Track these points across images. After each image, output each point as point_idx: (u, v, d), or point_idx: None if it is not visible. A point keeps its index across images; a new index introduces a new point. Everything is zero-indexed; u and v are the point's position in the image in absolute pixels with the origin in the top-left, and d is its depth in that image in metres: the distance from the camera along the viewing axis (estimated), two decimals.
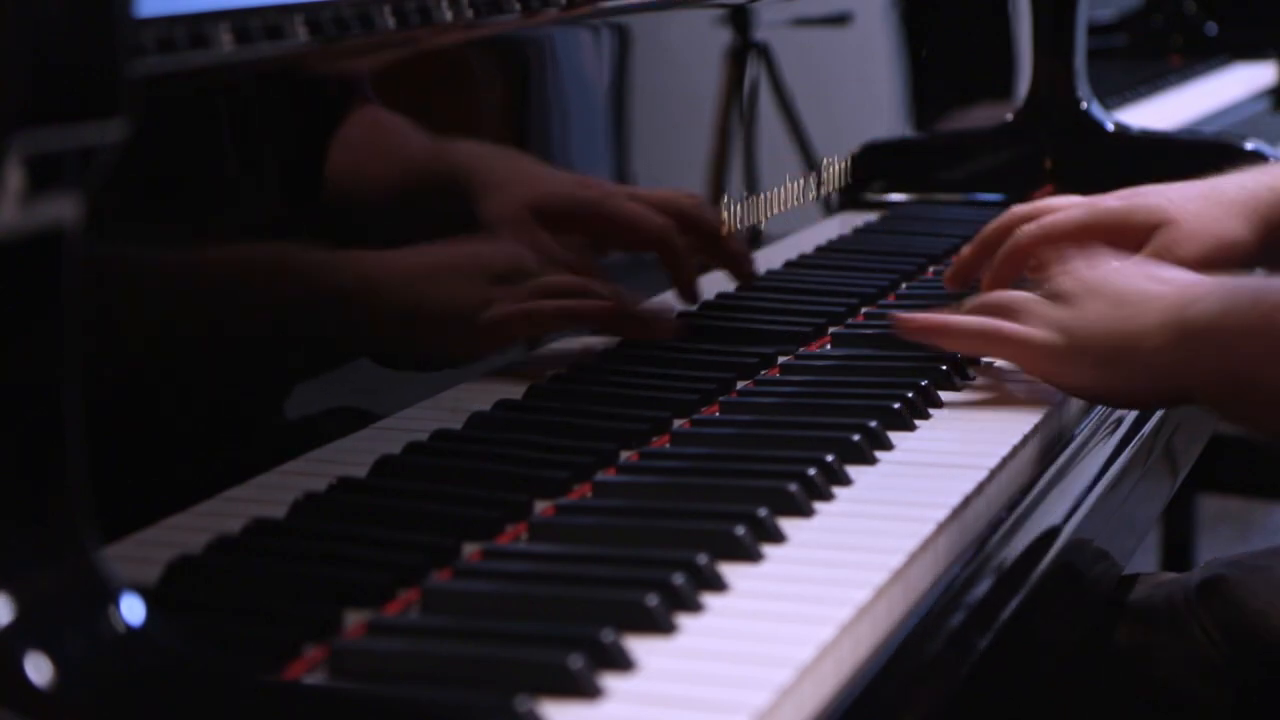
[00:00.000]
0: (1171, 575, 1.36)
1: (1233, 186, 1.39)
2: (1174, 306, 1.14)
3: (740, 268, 1.48)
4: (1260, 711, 1.29)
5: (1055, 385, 1.22)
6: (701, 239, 1.44)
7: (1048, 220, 1.37)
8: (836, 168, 1.70)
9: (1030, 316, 1.20)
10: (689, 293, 1.40)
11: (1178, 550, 2.90)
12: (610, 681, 0.81)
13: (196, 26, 0.95)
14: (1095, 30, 2.28)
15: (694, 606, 0.89)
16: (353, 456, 1.07)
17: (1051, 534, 1.09)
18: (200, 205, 1.00)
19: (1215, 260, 1.31)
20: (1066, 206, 1.40)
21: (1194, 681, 1.29)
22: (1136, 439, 1.25)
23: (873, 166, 1.78)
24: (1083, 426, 1.25)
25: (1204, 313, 1.12)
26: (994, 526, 1.07)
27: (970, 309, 1.25)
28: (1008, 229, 1.39)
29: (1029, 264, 1.37)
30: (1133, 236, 1.35)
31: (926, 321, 1.25)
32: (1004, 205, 1.89)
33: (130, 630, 0.74)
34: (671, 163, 1.46)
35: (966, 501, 1.05)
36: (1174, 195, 1.38)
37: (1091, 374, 1.17)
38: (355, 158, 1.13)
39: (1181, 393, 1.15)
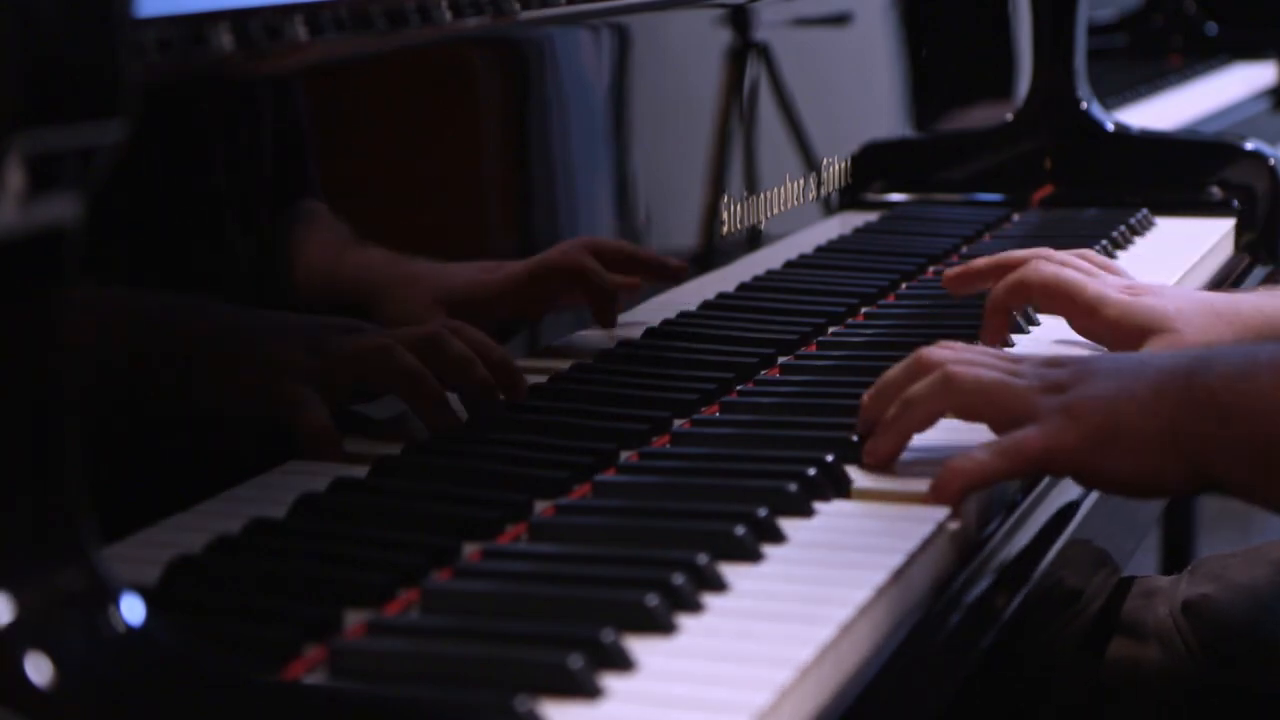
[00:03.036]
0: (1162, 582, 1.36)
1: (1248, 307, 1.34)
2: (1190, 383, 1.06)
3: (663, 268, 1.43)
4: None
5: (1090, 485, 1.12)
6: (622, 266, 1.39)
7: (1066, 280, 1.33)
8: (836, 168, 1.70)
9: (1041, 418, 1.06)
10: (610, 319, 1.36)
11: (1178, 550, 2.90)
12: (610, 681, 0.81)
13: (196, 26, 0.95)
14: (1095, 30, 2.28)
15: (694, 606, 0.89)
16: (352, 457, 1.07)
17: (1051, 534, 1.09)
18: (201, 204, 1.00)
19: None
20: (1088, 269, 1.36)
21: (1180, 699, 1.29)
22: None
23: (873, 166, 1.78)
24: None
25: (1206, 383, 1.05)
26: (994, 526, 1.07)
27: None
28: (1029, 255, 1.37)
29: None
30: (1132, 335, 1.30)
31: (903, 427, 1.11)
32: (1004, 205, 1.90)
33: (130, 630, 0.74)
34: (671, 163, 1.46)
35: (967, 501, 1.05)
36: (1182, 304, 1.33)
37: (1127, 463, 1.05)
38: (358, 159, 1.13)
39: (1185, 465, 1.05)
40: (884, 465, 1.10)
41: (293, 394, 1.07)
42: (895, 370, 1.11)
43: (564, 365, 1.27)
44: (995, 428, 1.08)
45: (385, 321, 1.15)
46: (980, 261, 1.40)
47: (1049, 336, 1.39)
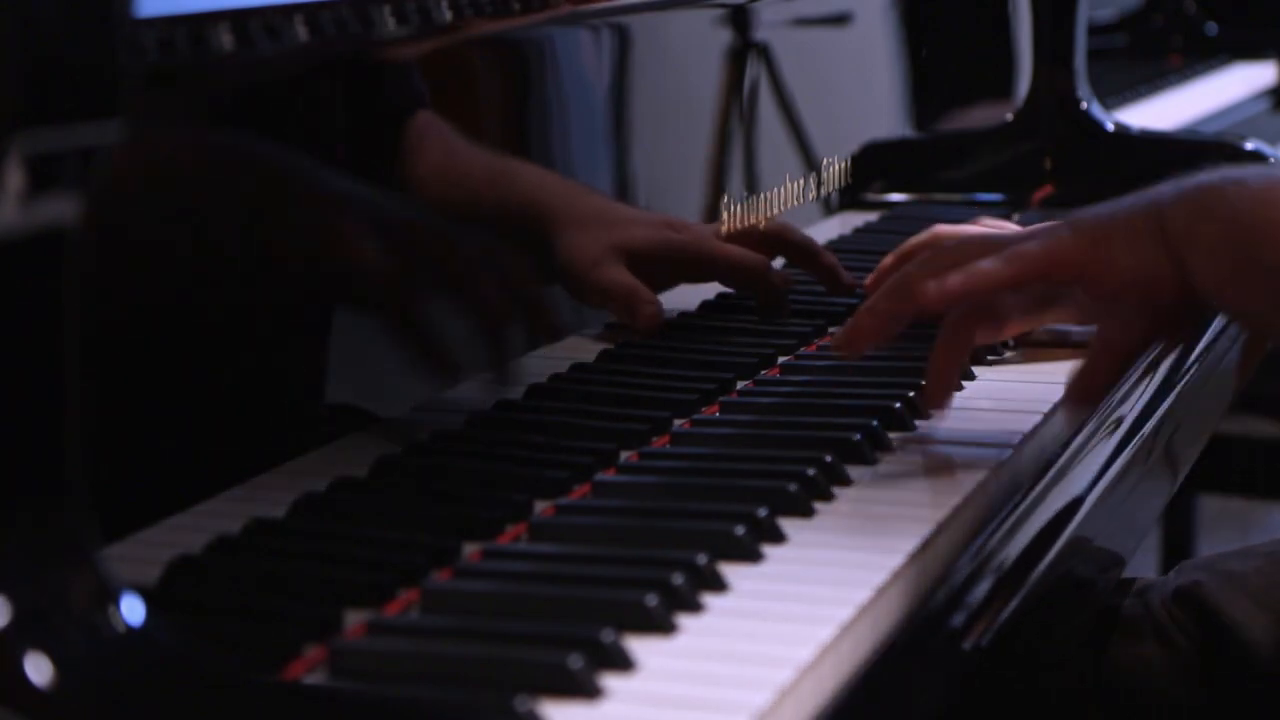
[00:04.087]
0: (1156, 579, 1.36)
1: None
2: (1181, 186, 1.11)
3: (835, 279, 1.49)
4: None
5: (1093, 290, 1.14)
6: (796, 258, 1.49)
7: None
8: (836, 168, 1.70)
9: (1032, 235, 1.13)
10: (784, 313, 1.43)
11: (1178, 550, 2.90)
12: (610, 681, 0.81)
13: (196, 26, 0.95)
14: (1095, 30, 2.28)
15: (694, 606, 0.89)
16: (353, 456, 1.07)
17: (1051, 534, 1.09)
18: (201, 205, 1.00)
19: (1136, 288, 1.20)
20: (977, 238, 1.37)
21: (1178, 689, 1.29)
22: (1136, 439, 1.25)
23: (873, 166, 1.78)
24: (1084, 426, 1.25)
25: (1196, 182, 1.10)
26: (994, 526, 1.07)
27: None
28: (925, 248, 1.37)
29: None
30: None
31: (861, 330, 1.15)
32: (1004, 205, 1.90)
33: (130, 630, 0.74)
34: (672, 163, 1.46)
35: (967, 501, 1.05)
36: (1084, 249, 1.34)
37: (1122, 257, 1.10)
38: (391, 162, 1.13)
39: (1175, 269, 1.09)
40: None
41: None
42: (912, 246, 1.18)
43: (564, 365, 1.27)
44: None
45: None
46: (887, 260, 1.37)
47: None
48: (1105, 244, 1.09)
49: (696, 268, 1.42)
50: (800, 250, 1.51)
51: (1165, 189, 1.11)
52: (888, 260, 1.39)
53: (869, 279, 1.41)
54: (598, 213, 1.30)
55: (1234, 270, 1.08)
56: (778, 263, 1.51)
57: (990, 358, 1.33)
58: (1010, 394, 1.26)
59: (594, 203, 1.31)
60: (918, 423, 1.19)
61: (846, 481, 1.07)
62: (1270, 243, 1.07)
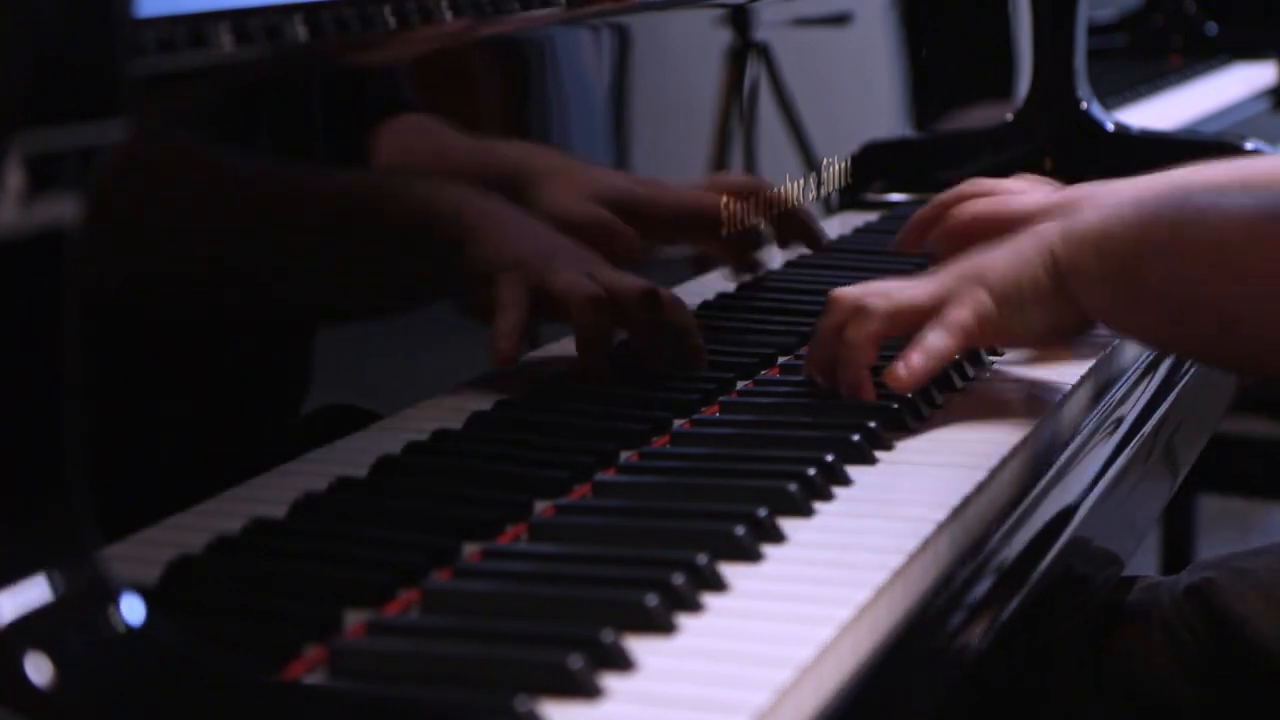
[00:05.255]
0: (1163, 579, 1.36)
1: (1162, 178, 1.39)
2: (1056, 227, 1.20)
3: (811, 237, 1.56)
4: (1246, 717, 1.29)
5: (1013, 343, 1.29)
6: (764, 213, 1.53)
7: (989, 204, 1.39)
8: (836, 168, 1.70)
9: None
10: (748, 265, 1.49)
11: (1178, 550, 2.90)
12: (610, 681, 0.81)
13: (196, 26, 0.95)
14: (1095, 30, 2.28)
15: (694, 606, 0.89)
16: (353, 456, 1.07)
17: (1051, 534, 1.09)
18: (201, 205, 1.00)
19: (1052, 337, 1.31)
20: (1018, 189, 1.41)
21: (1183, 686, 1.29)
22: (1136, 439, 1.25)
23: (873, 166, 1.78)
24: (1083, 426, 1.26)
25: (1085, 221, 1.19)
26: (994, 526, 1.07)
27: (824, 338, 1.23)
28: (955, 201, 1.41)
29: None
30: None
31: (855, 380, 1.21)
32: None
33: (130, 630, 0.74)
34: (672, 163, 1.46)
35: (966, 502, 1.05)
36: (1096, 190, 1.38)
37: (1032, 319, 1.21)
38: (380, 156, 1.13)
39: (1073, 307, 1.20)
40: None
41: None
42: (821, 320, 1.23)
43: (564, 365, 1.27)
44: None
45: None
46: (920, 211, 1.46)
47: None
48: (1019, 311, 1.20)
49: (654, 210, 1.41)
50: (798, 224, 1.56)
51: (1051, 230, 1.21)
52: (918, 213, 1.46)
53: (898, 236, 1.47)
54: (574, 167, 1.32)
55: (1117, 297, 1.19)
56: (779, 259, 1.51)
57: (991, 359, 1.33)
58: (1010, 395, 1.26)
59: (569, 161, 1.32)
60: (918, 423, 1.19)
61: (846, 481, 1.07)
62: (1150, 268, 1.17)
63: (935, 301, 1.20)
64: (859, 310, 1.20)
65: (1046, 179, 1.47)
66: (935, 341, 1.18)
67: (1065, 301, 1.20)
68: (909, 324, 1.20)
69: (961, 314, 1.19)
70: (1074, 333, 1.25)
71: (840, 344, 1.20)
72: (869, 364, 1.20)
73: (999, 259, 1.21)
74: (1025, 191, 1.40)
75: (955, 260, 1.24)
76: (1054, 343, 1.28)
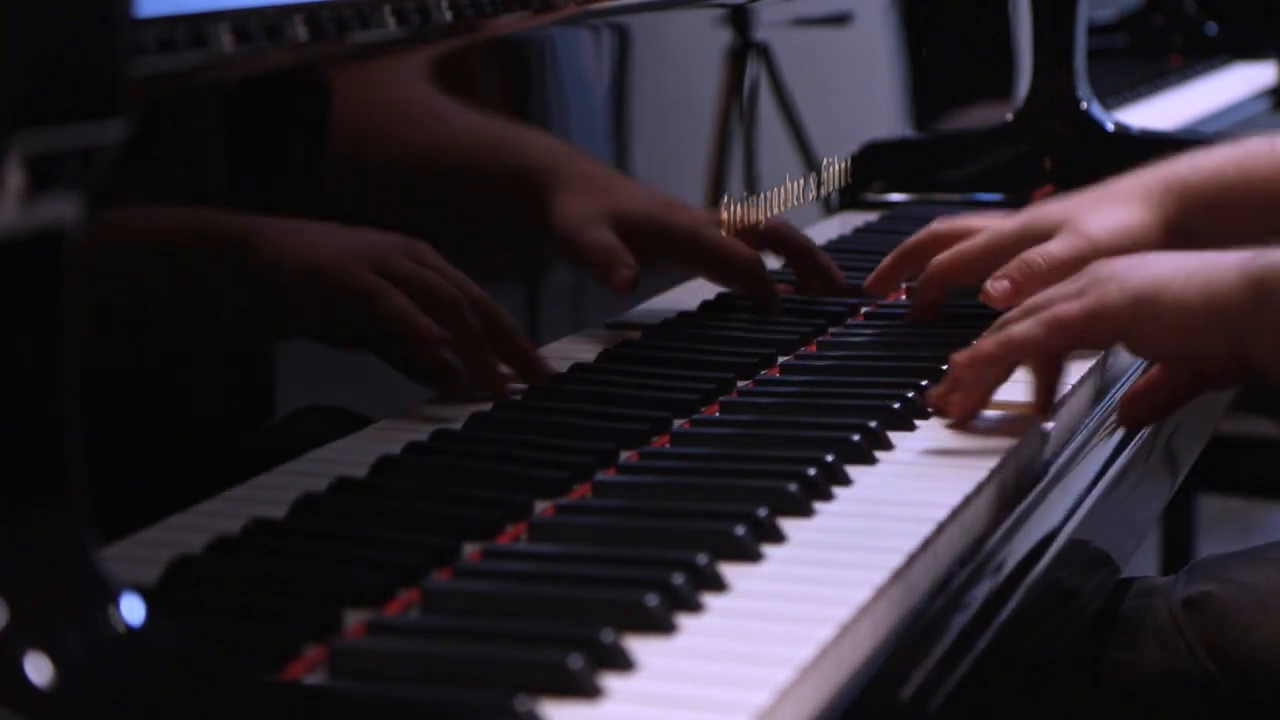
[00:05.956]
0: (1160, 582, 1.35)
1: (1124, 182, 1.39)
2: (1247, 257, 1.10)
3: (830, 280, 1.50)
4: None
5: (1134, 350, 1.21)
6: (793, 258, 1.51)
7: (955, 249, 1.37)
8: (836, 168, 1.70)
9: (1086, 290, 1.15)
10: (777, 309, 1.43)
11: (1178, 551, 2.90)
12: (610, 681, 0.81)
13: (196, 26, 0.95)
14: (1095, 30, 2.28)
15: (694, 606, 0.89)
16: (353, 456, 1.07)
17: (1051, 535, 1.09)
18: (200, 205, 1.00)
19: (1121, 243, 1.29)
20: (976, 229, 1.39)
21: (1179, 699, 1.29)
22: (1136, 439, 1.25)
23: (873, 166, 1.78)
24: (1083, 426, 1.26)
25: (1274, 258, 1.09)
26: (994, 526, 1.07)
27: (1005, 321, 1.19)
28: (923, 246, 1.39)
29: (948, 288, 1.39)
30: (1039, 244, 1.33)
31: (978, 359, 1.18)
32: (1004, 205, 1.90)
33: (130, 630, 0.74)
34: (671, 163, 1.46)
35: (966, 502, 1.05)
36: (1068, 200, 1.38)
37: (1170, 327, 1.12)
38: (383, 152, 1.13)
39: (1245, 351, 1.11)
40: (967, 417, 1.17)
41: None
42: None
43: (564, 365, 1.27)
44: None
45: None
46: (885, 262, 1.43)
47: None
48: (1151, 312, 1.12)
49: (685, 251, 1.42)
50: (798, 250, 1.51)
51: (1228, 262, 1.11)
52: (887, 261, 1.41)
53: (868, 280, 1.42)
54: (598, 178, 1.31)
55: None
56: (774, 264, 1.51)
57: None
58: (1011, 395, 1.26)
59: (597, 169, 1.32)
60: (918, 423, 1.19)
61: (846, 481, 1.07)
62: None
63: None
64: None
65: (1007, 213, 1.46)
66: (1020, 330, 1.14)
67: (1220, 338, 1.11)
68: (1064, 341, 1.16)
69: (1069, 310, 1.13)
70: (1215, 370, 1.15)
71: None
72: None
73: (1153, 263, 1.15)
74: (983, 226, 1.39)
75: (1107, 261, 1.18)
76: (1188, 365, 1.17)
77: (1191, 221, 1.36)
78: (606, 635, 0.82)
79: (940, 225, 1.40)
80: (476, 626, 0.87)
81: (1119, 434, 1.25)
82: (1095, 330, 1.15)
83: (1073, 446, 1.22)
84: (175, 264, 0.98)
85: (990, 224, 1.38)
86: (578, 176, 1.29)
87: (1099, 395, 1.32)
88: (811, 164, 1.66)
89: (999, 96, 2.01)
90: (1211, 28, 3.05)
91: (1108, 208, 1.35)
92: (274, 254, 1.04)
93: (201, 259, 1.00)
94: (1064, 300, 1.15)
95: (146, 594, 0.76)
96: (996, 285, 1.28)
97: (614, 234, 1.31)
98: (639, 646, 0.83)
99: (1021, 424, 1.19)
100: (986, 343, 1.17)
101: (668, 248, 1.40)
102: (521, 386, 1.21)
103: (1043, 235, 1.33)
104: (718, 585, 0.91)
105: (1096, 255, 1.25)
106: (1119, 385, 1.34)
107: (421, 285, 1.13)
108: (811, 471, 1.05)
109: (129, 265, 0.94)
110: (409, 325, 1.12)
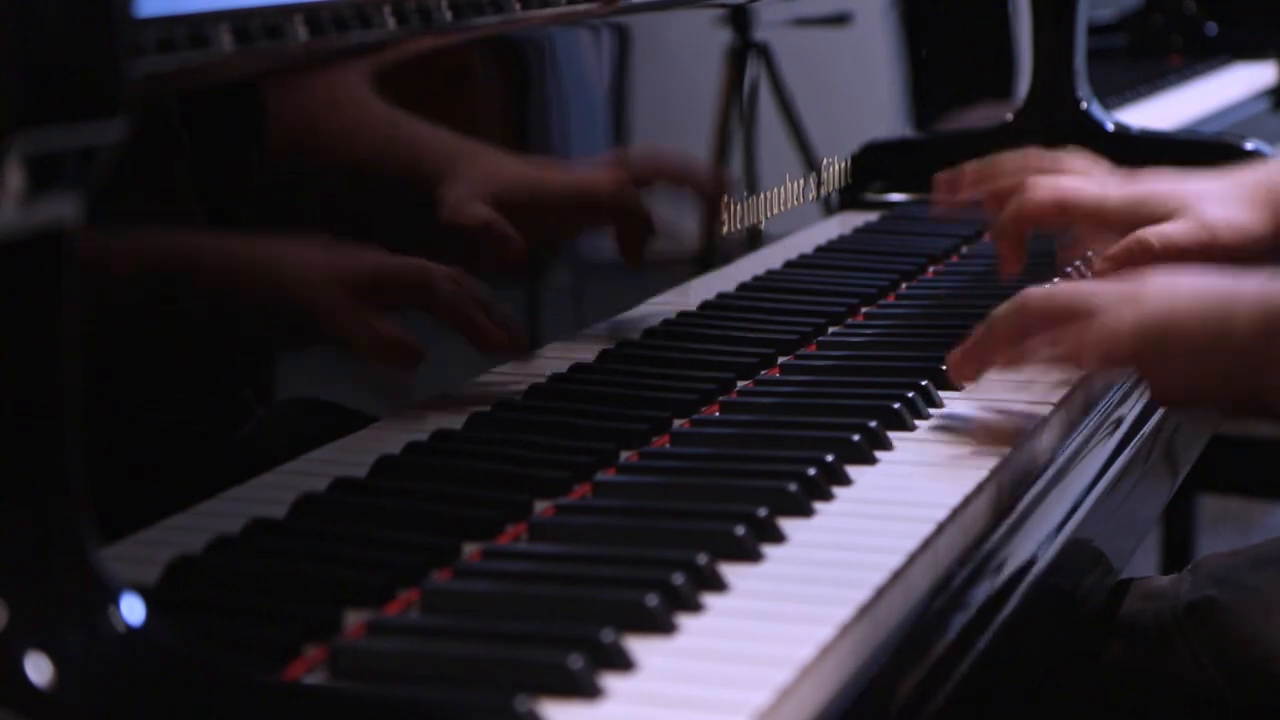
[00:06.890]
0: (1161, 583, 1.35)
1: (1238, 178, 1.37)
2: (1266, 295, 1.09)
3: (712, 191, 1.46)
4: None
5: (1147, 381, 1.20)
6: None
7: (1063, 194, 1.35)
8: (836, 168, 1.70)
9: (1103, 311, 1.13)
10: (636, 256, 1.37)
11: (1178, 551, 2.90)
12: (610, 681, 0.81)
13: (196, 26, 0.95)
14: (1095, 30, 2.28)
15: (694, 606, 0.89)
16: (353, 456, 1.07)
17: (1051, 535, 1.09)
18: (200, 205, 1.00)
19: (1242, 243, 1.28)
20: (1082, 171, 1.38)
21: (1182, 705, 1.29)
22: (1136, 439, 1.25)
23: (873, 166, 1.78)
24: (1083, 427, 1.25)
25: None
26: (994, 526, 1.07)
27: (1026, 310, 1.17)
28: (1020, 169, 1.38)
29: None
30: (1147, 225, 1.33)
31: (983, 350, 1.18)
32: None
33: (130, 630, 0.74)
34: None
35: (966, 502, 1.05)
36: (1181, 182, 1.36)
37: (1178, 366, 1.11)
38: (359, 154, 1.13)
39: (1260, 391, 1.10)
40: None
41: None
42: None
43: (564, 365, 1.27)
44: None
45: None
46: (970, 169, 1.43)
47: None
48: (1161, 350, 1.11)
49: (551, 198, 1.31)
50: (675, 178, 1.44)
51: (1248, 292, 1.10)
52: (969, 165, 1.43)
53: (941, 178, 1.44)
54: (469, 157, 1.22)
55: None
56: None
57: None
58: (1011, 396, 1.26)
59: (468, 150, 1.23)
60: (917, 423, 1.19)
61: (846, 481, 1.07)
62: None
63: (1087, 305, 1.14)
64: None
65: (1099, 159, 1.45)
66: (1044, 357, 1.14)
67: (1228, 375, 1.10)
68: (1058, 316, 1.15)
69: (1087, 340, 1.12)
70: (1224, 404, 1.16)
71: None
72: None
73: (1166, 284, 1.13)
74: (1088, 173, 1.38)
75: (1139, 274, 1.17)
76: (1197, 400, 1.18)
77: None
78: (606, 635, 0.82)
79: (1029, 157, 1.40)
80: (476, 626, 0.87)
81: (1119, 434, 1.25)
82: (1107, 366, 1.17)
83: (1072, 446, 1.22)
84: (175, 263, 0.98)
85: (1082, 167, 1.37)
86: (452, 162, 1.21)
87: (1099, 396, 1.32)
88: (811, 164, 1.66)
89: (999, 96, 2.01)
90: (1211, 28, 3.05)
91: (1233, 204, 1.33)
92: (274, 254, 1.04)
93: (201, 258, 1.00)
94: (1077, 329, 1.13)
95: (146, 594, 0.76)
96: (1103, 265, 1.27)
97: (491, 208, 1.23)
98: (639, 646, 0.83)
99: (1021, 424, 1.19)
100: (999, 356, 1.16)
101: (545, 205, 1.30)
102: (521, 387, 1.21)
103: (1157, 214, 1.32)
104: (718, 585, 0.91)
105: (1215, 249, 1.23)
106: (1118, 385, 1.34)
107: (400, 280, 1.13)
108: (811, 471, 1.05)
109: (128, 265, 0.94)
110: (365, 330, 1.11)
